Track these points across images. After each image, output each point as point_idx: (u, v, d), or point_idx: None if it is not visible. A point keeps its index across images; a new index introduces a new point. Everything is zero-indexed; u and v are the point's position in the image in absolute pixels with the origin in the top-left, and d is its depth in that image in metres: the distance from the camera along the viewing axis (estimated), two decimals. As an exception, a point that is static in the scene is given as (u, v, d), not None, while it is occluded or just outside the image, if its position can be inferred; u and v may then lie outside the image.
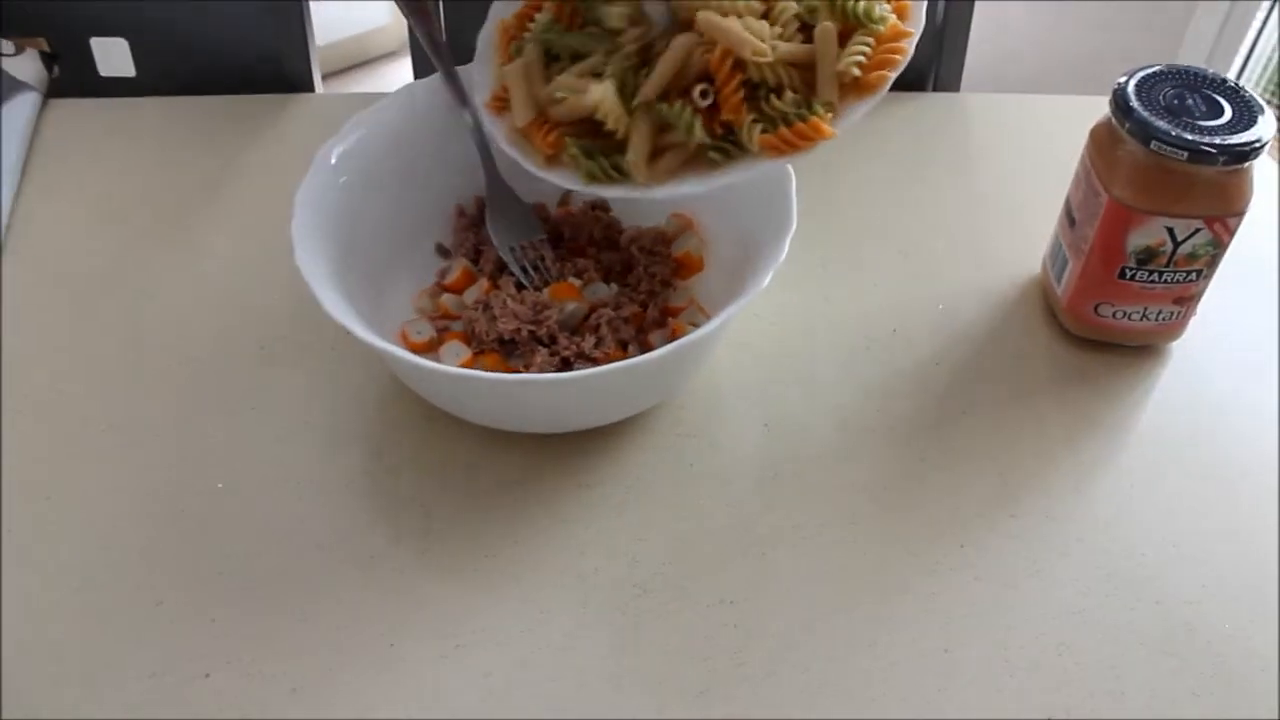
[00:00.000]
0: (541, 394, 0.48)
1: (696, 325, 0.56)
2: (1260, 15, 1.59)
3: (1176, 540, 0.51)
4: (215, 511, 0.51)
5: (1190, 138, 0.49)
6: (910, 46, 0.49)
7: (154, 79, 0.76)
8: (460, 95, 0.60)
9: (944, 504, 0.52)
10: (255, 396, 0.56)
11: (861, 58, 0.48)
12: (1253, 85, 1.64)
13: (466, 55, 0.59)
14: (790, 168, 0.53)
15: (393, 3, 0.82)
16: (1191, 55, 1.63)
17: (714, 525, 0.51)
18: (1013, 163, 0.73)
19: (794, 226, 0.51)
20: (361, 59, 2.22)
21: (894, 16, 0.49)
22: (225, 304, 0.61)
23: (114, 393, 0.56)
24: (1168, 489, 0.53)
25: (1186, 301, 0.56)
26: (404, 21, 0.65)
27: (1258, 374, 0.59)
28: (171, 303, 0.61)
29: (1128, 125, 0.51)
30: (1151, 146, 0.50)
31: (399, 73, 2.24)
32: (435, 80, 0.61)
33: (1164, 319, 0.56)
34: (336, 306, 0.48)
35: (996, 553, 0.50)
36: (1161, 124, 0.50)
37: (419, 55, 0.79)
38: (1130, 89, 0.52)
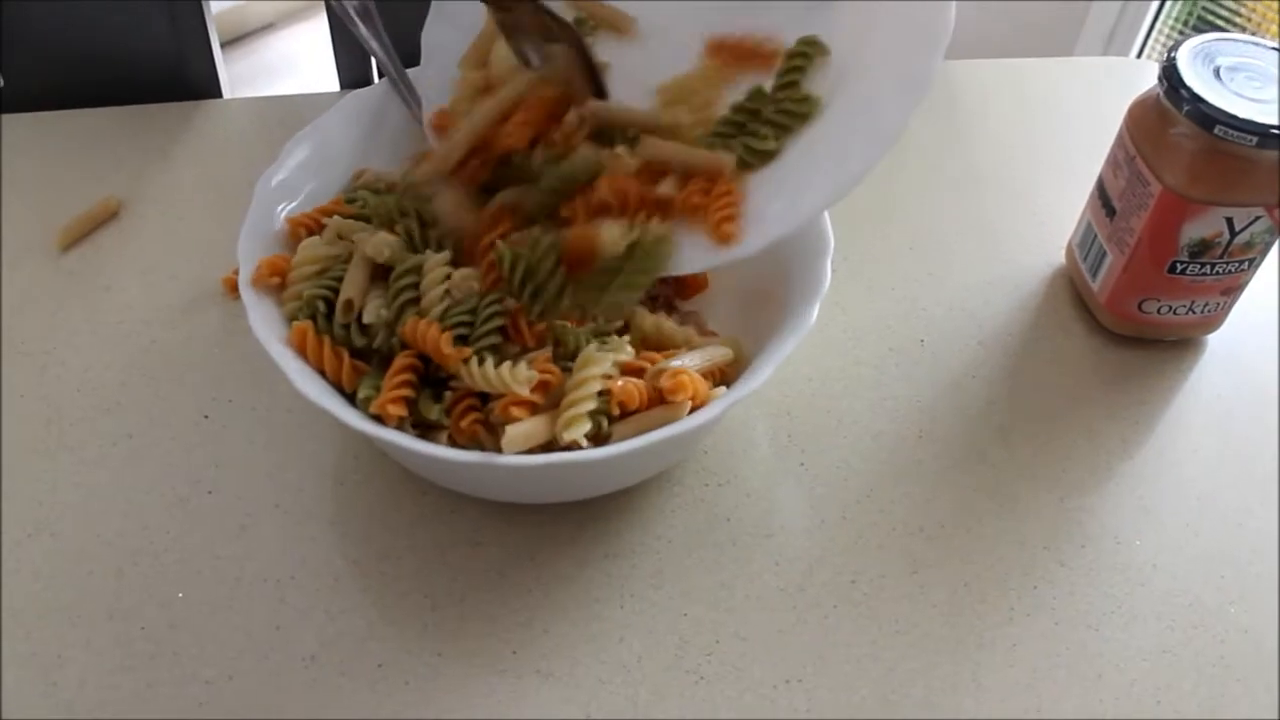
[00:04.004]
0: (569, 473, 0.41)
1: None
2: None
3: (1250, 555, 0.47)
4: (180, 629, 0.43)
5: (1261, 120, 0.44)
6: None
7: (26, 91, 0.65)
8: (413, 101, 0.52)
9: (1007, 539, 0.47)
10: (207, 478, 0.48)
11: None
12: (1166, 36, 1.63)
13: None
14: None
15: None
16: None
17: (764, 589, 0.45)
18: (1005, 134, 0.68)
19: (832, 246, 0.45)
20: (251, 28, 2.05)
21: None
22: (153, 366, 0.52)
23: (32, 490, 0.47)
24: (1233, 497, 0.49)
25: (1233, 291, 0.52)
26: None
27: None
28: (84, 368, 0.52)
29: (1185, 108, 0.46)
30: (1216, 132, 0.45)
31: (298, 42, 2.08)
32: (381, 86, 0.52)
33: (1208, 311, 0.52)
34: (316, 388, 0.40)
35: (1072, 590, 0.46)
36: (1225, 106, 0.45)
37: (341, 40, 0.70)
38: (1181, 65, 0.47)
